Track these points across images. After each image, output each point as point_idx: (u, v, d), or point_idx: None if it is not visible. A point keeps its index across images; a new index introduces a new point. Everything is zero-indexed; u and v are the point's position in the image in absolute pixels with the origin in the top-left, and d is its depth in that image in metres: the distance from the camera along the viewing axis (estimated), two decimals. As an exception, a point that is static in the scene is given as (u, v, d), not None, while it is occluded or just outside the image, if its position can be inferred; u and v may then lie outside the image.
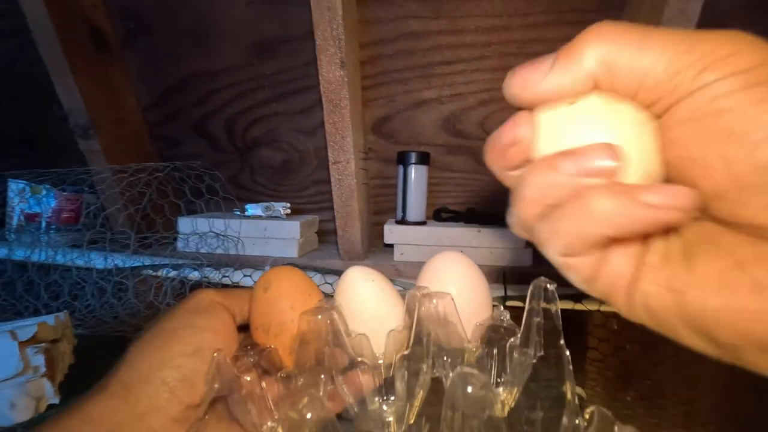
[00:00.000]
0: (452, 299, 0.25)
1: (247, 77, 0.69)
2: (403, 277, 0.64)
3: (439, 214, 0.71)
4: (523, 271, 0.63)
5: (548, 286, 0.22)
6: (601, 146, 0.15)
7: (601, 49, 0.16)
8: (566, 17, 0.57)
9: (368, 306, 0.27)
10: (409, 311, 0.27)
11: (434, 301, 0.24)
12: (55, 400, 0.34)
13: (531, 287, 0.23)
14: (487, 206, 0.70)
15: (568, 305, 0.58)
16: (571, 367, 0.21)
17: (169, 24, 0.67)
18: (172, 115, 0.74)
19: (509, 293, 0.61)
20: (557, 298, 0.22)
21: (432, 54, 0.62)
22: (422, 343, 0.24)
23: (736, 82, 0.14)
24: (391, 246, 0.67)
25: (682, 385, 0.44)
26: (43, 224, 0.69)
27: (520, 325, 0.25)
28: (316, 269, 0.66)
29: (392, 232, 0.66)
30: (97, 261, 0.62)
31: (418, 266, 0.65)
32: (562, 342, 0.22)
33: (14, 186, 0.68)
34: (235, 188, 0.78)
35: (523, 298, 0.61)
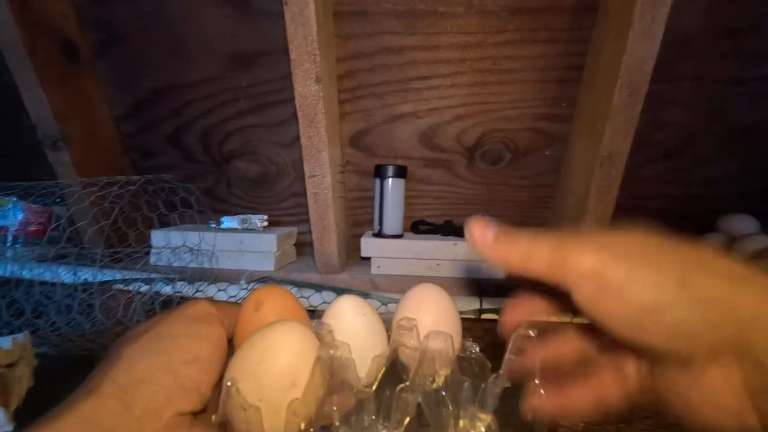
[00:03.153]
0: (451, 339, 0.27)
1: (223, 89, 0.68)
2: (380, 291, 0.64)
3: (417, 227, 0.72)
4: (498, 284, 0.63)
5: (530, 333, 0.24)
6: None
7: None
8: (538, 35, 0.59)
9: (357, 337, 0.28)
10: (394, 341, 0.29)
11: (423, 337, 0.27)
12: (9, 428, 0.33)
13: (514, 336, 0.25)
14: (464, 218, 0.71)
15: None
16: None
17: (143, 35, 0.66)
18: (147, 127, 0.73)
19: (485, 306, 0.61)
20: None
21: (408, 69, 0.62)
22: (408, 374, 0.26)
23: (592, 283, 0.20)
24: (368, 258, 0.67)
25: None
26: (10, 238, 0.67)
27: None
28: (293, 282, 0.65)
29: (369, 245, 0.66)
30: (66, 276, 0.61)
31: (395, 279, 0.66)
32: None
33: (-21, 198, 0.66)
34: (211, 200, 0.77)
35: (498, 311, 0.62)
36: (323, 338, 0.27)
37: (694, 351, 0.19)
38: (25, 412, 0.37)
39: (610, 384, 0.24)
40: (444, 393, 0.26)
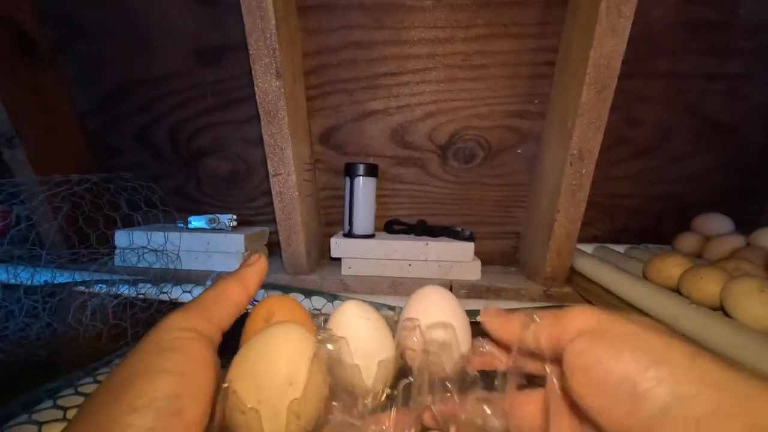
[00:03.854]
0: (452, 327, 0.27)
1: (189, 85, 0.66)
2: (350, 292, 0.63)
3: (390, 226, 0.70)
4: (471, 285, 0.62)
5: (536, 318, 0.24)
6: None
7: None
8: (509, 30, 0.57)
9: (362, 343, 0.27)
10: (400, 344, 0.28)
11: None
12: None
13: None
14: (437, 218, 0.70)
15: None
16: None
17: (105, 29, 0.64)
18: (112, 124, 0.71)
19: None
20: None
21: (377, 65, 0.61)
22: (419, 374, 0.26)
23: (586, 339, 0.20)
24: (340, 259, 0.65)
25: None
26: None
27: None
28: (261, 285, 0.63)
29: (339, 246, 0.64)
30: (23, 277, 0.58)
31: (366, 280, 0.64)
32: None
33: (-67, 197, 0.63)
34: (180, 199, 0.75)
35: (471, 312, 0.60)
36: (320, 337, 0.26)
37: None
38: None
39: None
40: (450, 385, 0.25)
